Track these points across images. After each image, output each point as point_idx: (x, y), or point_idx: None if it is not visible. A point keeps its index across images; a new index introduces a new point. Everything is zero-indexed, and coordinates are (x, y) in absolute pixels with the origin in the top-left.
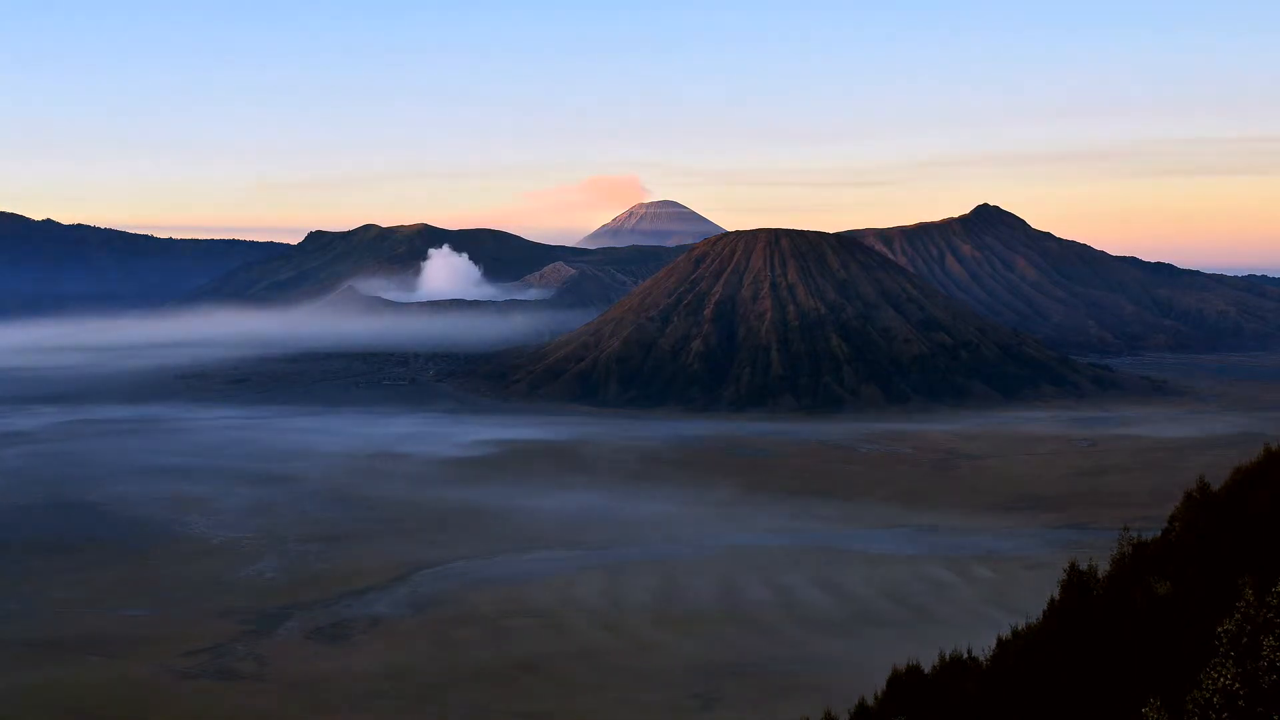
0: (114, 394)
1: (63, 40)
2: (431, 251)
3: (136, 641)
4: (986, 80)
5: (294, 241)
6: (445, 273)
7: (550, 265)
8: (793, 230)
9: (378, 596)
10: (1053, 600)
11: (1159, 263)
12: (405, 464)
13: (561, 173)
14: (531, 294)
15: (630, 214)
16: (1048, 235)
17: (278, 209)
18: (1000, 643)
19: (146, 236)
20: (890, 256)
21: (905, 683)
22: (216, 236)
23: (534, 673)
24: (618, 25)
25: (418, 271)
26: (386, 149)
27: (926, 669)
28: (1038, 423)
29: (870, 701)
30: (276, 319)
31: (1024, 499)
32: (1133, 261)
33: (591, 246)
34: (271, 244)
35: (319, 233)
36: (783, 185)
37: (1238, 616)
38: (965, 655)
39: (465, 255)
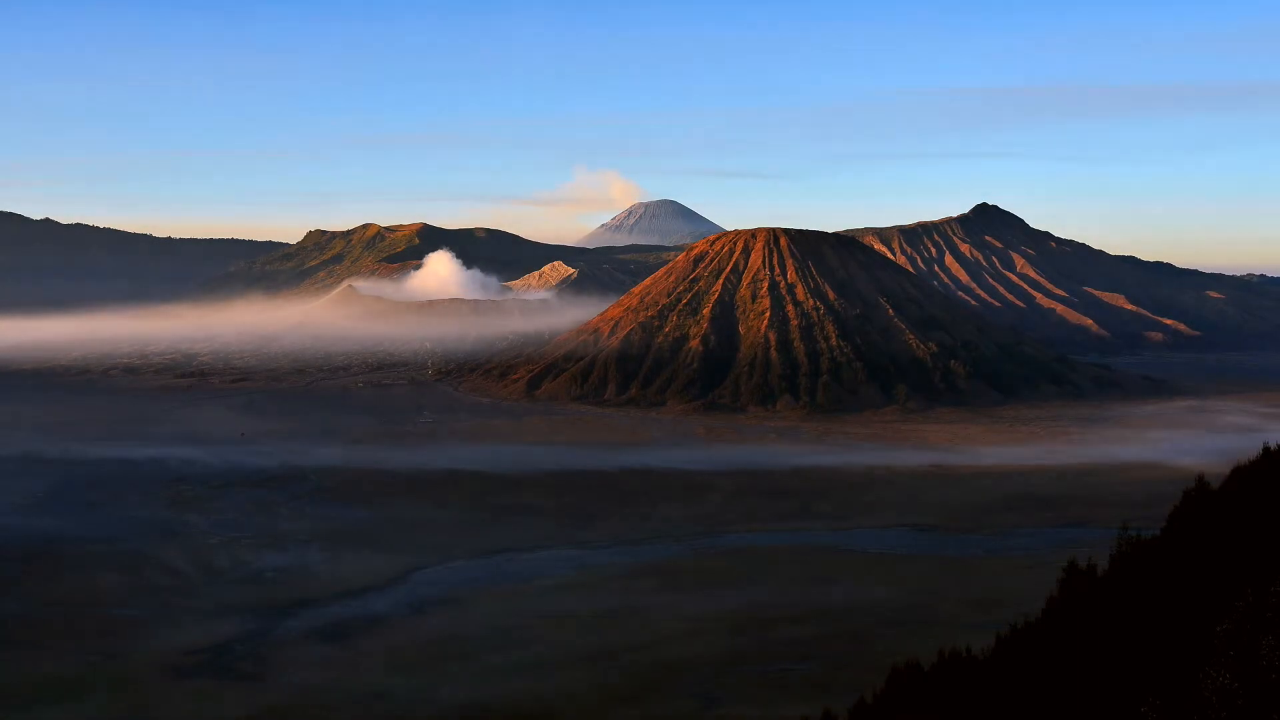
0: (113, 393)
1: (62, 40)
2: (429, 257)
3: (136, 641)
4: (986, 76)
5: (293, 241)
6: (439, 277)
7: (550, 265)
8: (792, 229)
9: (377, 596)
10: (1051, 599)
11: (1158, 262)
12: (404, 463)
13: (561, 172)
14: (531, 294)
15: (630, 214)
16: (1047, 234)
17: (278, 209)
18: (999, 641)
19: (146, 236)
20: (890, 256)
21: (905, 680)
22: (216, 236)
23: (532, 672)
24: (618, 24)
25: (417, 270)
26: (386, 149)
27: (926, 667)
28: (1037, 422)
29: (870, 699)
30: (276, 318)
31: (1023, 499)
32: (1132, 260)
33: (591, 246)
34: (271, 243)
35: (318, 231)
36: (783, 184)
37: (1237, 616)
38: (964, 653)
39: (459, 260)
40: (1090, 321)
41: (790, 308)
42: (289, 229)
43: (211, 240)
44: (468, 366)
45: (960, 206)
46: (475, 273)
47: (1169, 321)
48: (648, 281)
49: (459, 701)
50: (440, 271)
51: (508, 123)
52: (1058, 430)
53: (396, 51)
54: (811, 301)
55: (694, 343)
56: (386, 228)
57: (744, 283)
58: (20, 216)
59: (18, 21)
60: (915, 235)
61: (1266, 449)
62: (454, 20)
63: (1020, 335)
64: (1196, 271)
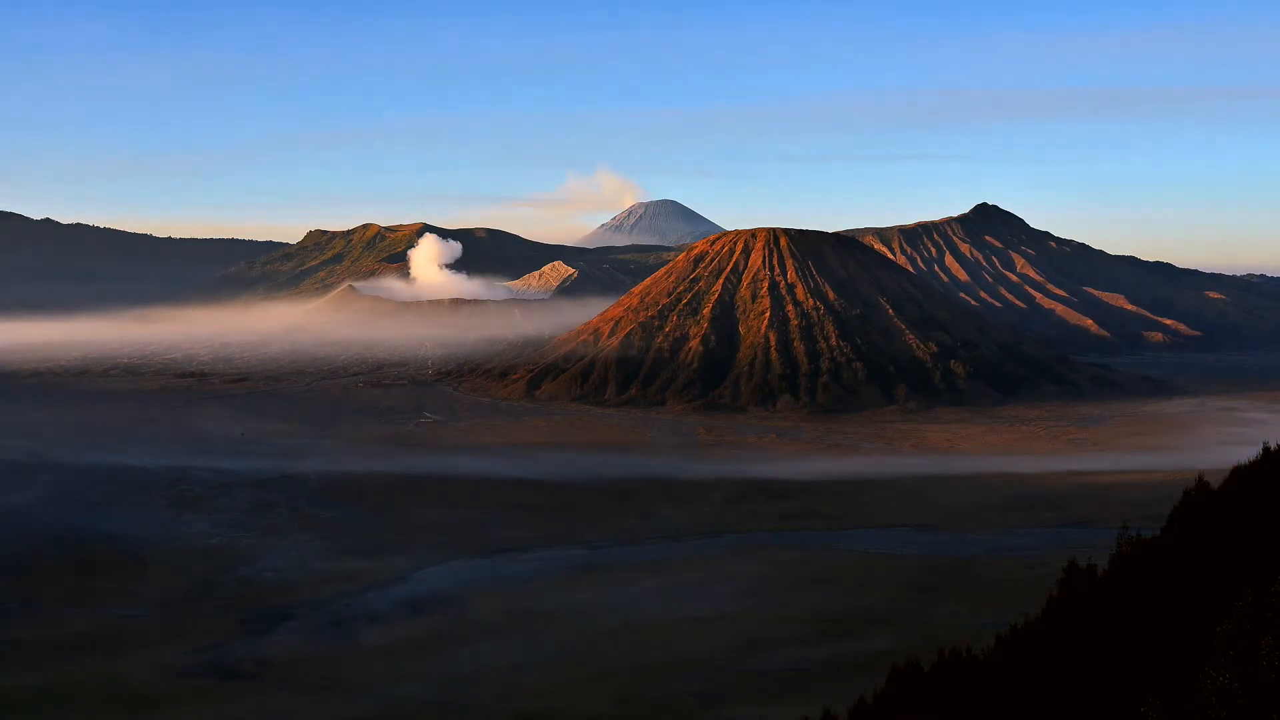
0: (113, 394)
1: (62, 39)
2: (420, 241)
3: (136, 641)
4: (986, 76)
5: (293, 241)
6: (434, 257)
7: (550, 264)
8: (792, 229)
9: (377, 596)
10: (1051, 598)
11: (1158, 262)
12: (404, 463)
13: (561, 172)
14: (531, 293)
15: (630, 214)
16: (1047, 234)
17: (278, 209)
18: (999, 641)
19: (146, 236)
20: (890, 256)
21: (905, 680)
22: (216, 236)
23: (532, 672)
24: (616, 23)
25: (415, 268)
26: (386, 149)
27: (926, 667)
28: (1037, 422)
29: (870, 699)
30: (275, 318)
31: (1024, 499)
32: (1131, 260)
33: (591, 246)
34: (271, 243)
35: (318, 231)
36: (782, 184)
37: (1237, 616)
38: (964, 653)
39: (453, 241)
40: (1090, 321)
41: (790, 308)
42: (289, 229)
43: (211, 240)
44: (468, 367)
45: (960, 206)
46: (475, 275)
47: (1169, 321)
48: (648, 281)
49: (460, 702)
50: (424, 262)
51: (508, 123)
52: (1058, 430)
53: (397, 51)
54: (811, 301)
55: (694, 343)
56: (386, 228)
57: (744, 283)
58: (20, 216)
59: (18, 22)
60: (915, 235)
61: (1266, 449)
62: (455, 20)
63: (1020, 335)
64: (1196, 271)
